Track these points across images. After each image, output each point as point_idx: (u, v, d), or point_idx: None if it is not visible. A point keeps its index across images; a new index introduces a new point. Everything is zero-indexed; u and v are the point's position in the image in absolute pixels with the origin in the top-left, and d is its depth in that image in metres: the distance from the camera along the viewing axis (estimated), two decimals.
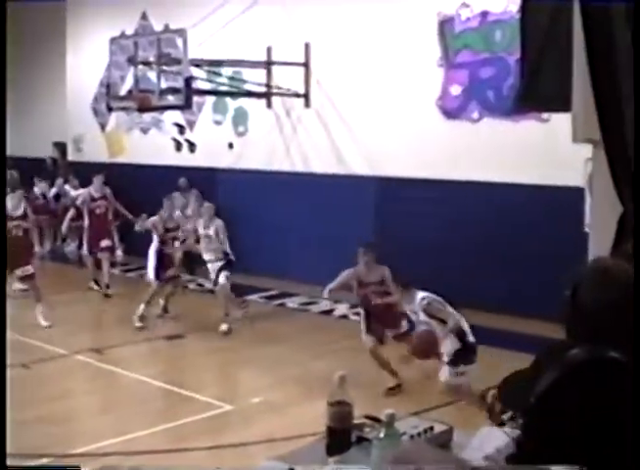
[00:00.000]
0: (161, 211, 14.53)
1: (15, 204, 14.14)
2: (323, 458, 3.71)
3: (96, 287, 16.52)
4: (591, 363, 2.71)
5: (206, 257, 13.74)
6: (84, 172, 21.41)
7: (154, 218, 14.36)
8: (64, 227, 19.78)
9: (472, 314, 12.95)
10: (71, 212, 18.41)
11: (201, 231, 13.73)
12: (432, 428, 3.94)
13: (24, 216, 14.25)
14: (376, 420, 3.86)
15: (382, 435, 3.43)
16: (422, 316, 9.77)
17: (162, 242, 14.32)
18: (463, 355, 9.44)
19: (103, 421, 10.00)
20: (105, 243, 16.43)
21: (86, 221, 16.80)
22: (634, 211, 5.34)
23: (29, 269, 13.87)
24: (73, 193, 21.44)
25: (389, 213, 15.58)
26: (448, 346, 9.47)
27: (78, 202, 17.65)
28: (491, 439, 3.53)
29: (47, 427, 9.34)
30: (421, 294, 9.85)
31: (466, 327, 9.60)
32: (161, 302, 14.45)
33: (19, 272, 13.76)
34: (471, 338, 9.56)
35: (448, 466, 2.87)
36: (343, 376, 3.89)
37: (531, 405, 2.76)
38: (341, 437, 3.76)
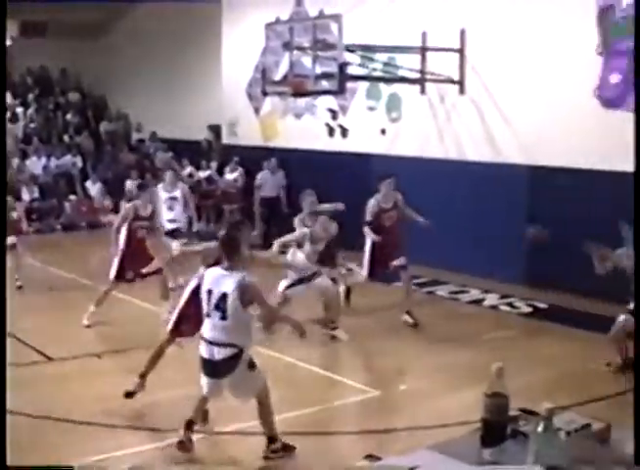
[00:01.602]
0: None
1: (145, 202, 13.33)
2: (477, 450, 3.68)
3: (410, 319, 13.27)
4: None
5: None
6: (238, 155, 21.95)
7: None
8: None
9: (616, 308, 12.73)
10: None
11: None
12: (588, 425, 3.86)
13: (151, 218, 13.36)
14: (532, 413, 3.81)
15: (540, 429, 3.37)
16: None
17: None
18: None
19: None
20: (399, 261, 13.38)
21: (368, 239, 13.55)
22: (634, 213, 5.11)
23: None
24: (229, 176, 21.88)
25: (543, 203, 15.32)
26: None
27: (369, 215, 13.47)
28: None
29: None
30: None
31: None
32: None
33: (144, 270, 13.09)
34: None
35: None
36: (501, 367, 3.84)
37: None
38: (496, 429, 3.72)
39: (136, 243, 13.09)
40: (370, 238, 13.27)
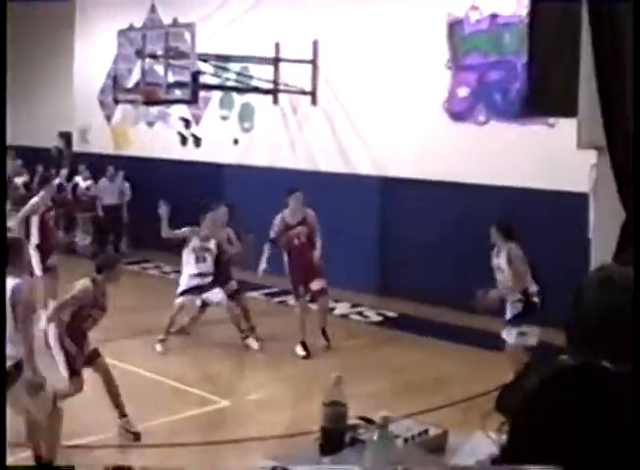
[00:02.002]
0: None
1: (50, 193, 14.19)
2: (317, 458, 3.71)
3: (302, 352, 12.22)
4: (578, 370, 2.69)
5: None
6: (90, 163, 21.60)
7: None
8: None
9: (465, 316, 13.00)
10: None
11: None
12: (426, 431, 3.92)
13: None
14: (370, 422, 3.85)
15: (375, 437, 3.42)
16: None
17: None
18: None
19: (96, 414, 9.93)
20: (317, 285, 12.80)
21: (285, 257, 12.99)
22: (634, 214, 5.32)
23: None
24: (83, 184, 21.52)
25: (393, 214, 15.55)
26: None
27: (272, 233, 12.76)
28: (483, 445, 3.52)
29: None
30: None
31: None
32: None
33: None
34: None
35: None
36: (340, 377, 3.88)
37: (516, 408, 2.75)
38: (335, 437, 3.76)
39: (48, 233, 13.54)
40: (263, 258, 12.68)
